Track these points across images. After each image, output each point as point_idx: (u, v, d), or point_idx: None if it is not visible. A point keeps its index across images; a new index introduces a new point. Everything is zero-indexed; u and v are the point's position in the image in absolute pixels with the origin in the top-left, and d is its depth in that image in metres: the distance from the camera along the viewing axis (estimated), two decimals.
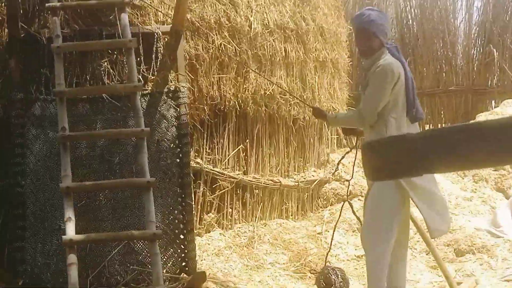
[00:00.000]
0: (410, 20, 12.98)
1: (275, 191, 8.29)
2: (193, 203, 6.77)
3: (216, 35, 7.49)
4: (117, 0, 6.19)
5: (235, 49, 7.63)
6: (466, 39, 12.78)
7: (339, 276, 6.41)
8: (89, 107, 6.33)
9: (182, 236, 6.37)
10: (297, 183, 8.50)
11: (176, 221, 6.36)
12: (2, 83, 6.46)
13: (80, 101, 6.30)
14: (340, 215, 6.83)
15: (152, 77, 6.66)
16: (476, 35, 12.74)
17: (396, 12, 13.14)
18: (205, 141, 7.62)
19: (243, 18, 7.79)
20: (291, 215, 8.51)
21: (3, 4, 6.63)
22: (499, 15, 12.50)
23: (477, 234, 7.75)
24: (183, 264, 6.36)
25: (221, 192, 7.73)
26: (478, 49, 12.69)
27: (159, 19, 7.03)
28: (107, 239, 5.69)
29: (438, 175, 7.08)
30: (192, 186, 6.63)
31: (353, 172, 6.38)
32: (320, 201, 8.93)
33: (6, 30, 6.49)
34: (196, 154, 7.53)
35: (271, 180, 8.20)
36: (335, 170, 8.06)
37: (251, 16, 7.87)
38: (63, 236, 4.96)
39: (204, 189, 7.59)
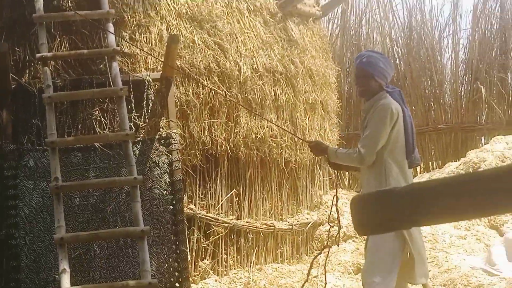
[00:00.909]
0: (397, 60, 13.07)
1: (270, 235, 8.25)
2: (187, 250, 6.72)
3: (206, 81, 7.52)
4: (107, 49, 6.23)
5: (225, 94, 7.65)
6: (453, 76, 12.87)
7: None
8: (81, 157, 6.31)
9: (177, 285, 6.33)
10: (291, 226, 8.47)
11: (171, 269, 6.31)
12: None
13: (72, 150, 6.29)
14: (328, 256, 6.78)
15: (144, 124, 6.66)
16: (463, 72, 12.84)
17: (382, 51, 13.23)
18: (197, 186, 7.59)
19: (233, 63, 7.83)
20: (286, 259, 8.46)
21: None
22: (485, 52, 12.61)
23: (473, 273, 7.71)
24: None
25: (215, 238, 7.69)
26: (465, 86, 12.77)
27: (149, 67, 7.06)
28: None
29: None
30: (186, 233, 6.59)
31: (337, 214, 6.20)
32: (315, 243, 8.89)
33: None
34: (189, 200, 7.50)
35: (265, 224, 8.17)
36: (330, 214, 7.99)
37: (240, 60, 7.91)
38: None
39: (198, 235, 7.54)
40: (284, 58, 8.53)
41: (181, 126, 7.22)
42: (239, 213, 7.98)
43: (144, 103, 6.68)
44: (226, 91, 7.68)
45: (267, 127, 8.05)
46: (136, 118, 6.60)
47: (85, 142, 6.35)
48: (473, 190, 1.82)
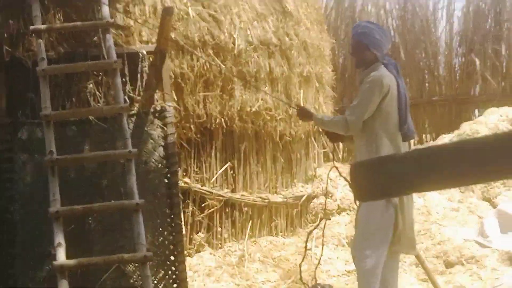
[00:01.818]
0: (392, 31, 13.02)
1: (264, 208, 8.27)
2: (182, 223, 6.74)
3: (201, 53, 7.48)
4: (101, 22, 6.19)
5: (220, 67, 7.63)
6: (447, 48, 12.85)
7: None
8: (76, 130, 6.29)
9: (172, 258, 6.34)
10: (286, 199, 8.49)
11: (166, 242, 6.33)
12: None
13: (67, 124, 6.26)
14: (324, 229, 6.81)
15: (138, 97, 6.64)
16: (457, 44, 12.82)
17: (377, 23, 13.19)
18: (192, 160, 7.60)
19: (227, 35, 7.79)
20: (281, 232, 8.49)
21: None
22: (479, 24, 12.58)
23: (466, 245, 7.77)
24: (174, 286, 6.32)
25: (210, 211, 7.71)
26: (460, 58, 12.76)
27: (143, 39, 7.02)
28: (98, 263, 5.64)
29: None
30: (181, 206, 6.61)
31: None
32: (309, 216, 8.92)
33: None
34: (184, 174, 7.50)
35: (259, 197, 8.18)
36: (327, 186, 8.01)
37: (235, 33, 7.88)
38: (54, 262, 4.93)
39: (193, 208, 7.56)
40: (278, 30, 8.49)
41: (176, 100, 7.20)
42: (233, 186, 8.00)
43: (139, 76, 6.66)
44: (221, 64, 7.66)
45: (261, 99, 8.04)
46: (130, 91, 6.58)
47: (79, 116, 6.33)
48: (474, 156, 1.83)
